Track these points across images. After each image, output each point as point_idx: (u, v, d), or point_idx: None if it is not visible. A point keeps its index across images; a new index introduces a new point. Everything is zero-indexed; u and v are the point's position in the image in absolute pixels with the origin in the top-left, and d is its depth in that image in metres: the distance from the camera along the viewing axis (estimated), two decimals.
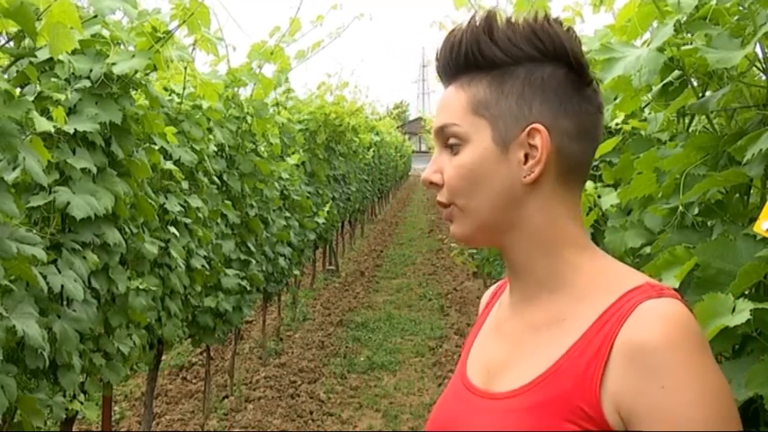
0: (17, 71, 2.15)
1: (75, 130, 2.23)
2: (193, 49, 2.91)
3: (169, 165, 3.01)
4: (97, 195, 2.32)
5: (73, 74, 2.33)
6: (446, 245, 11.57)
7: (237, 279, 4.00)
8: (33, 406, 2.07)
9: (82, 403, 2.51)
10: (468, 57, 0.92)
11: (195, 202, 3.30)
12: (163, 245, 2.98)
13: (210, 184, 3.67)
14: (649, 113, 1.80)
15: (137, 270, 2.77)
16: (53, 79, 2.27)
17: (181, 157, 3.16)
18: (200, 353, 5.99)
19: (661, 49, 1.33)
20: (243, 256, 4.28)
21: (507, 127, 0.91)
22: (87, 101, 2.34)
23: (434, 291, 9.09)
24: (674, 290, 0.89)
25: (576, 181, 0.95)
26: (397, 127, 24.71)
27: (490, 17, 0.91)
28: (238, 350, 6.03)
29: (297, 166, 5.77)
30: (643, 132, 1.85)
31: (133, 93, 2.57)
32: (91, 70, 2.34)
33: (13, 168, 2.05)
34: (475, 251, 6.80)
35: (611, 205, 1.92)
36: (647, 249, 1.57)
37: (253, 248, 4.46)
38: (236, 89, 4.03)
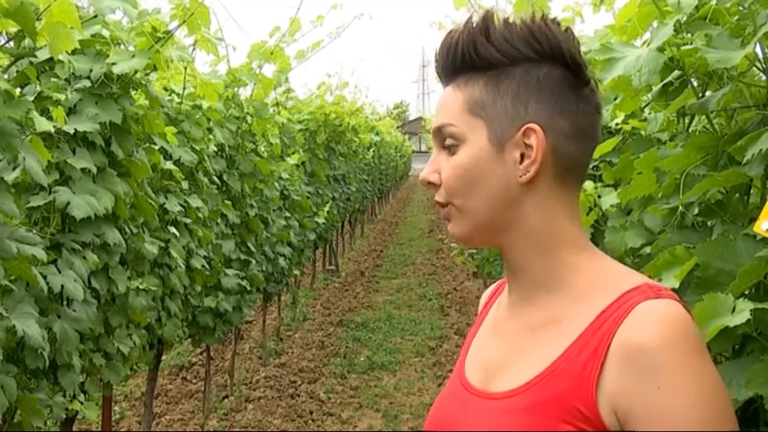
0: (17, 71, 2.15)
1: (76, 130, 2.23)
2: (193, 49, 2.91)
3: (169, 165, 3.01)
4: (97, 195, 2.32)
5: (73, 74, 2.33)
6: (446, 245, 11.57)
7: (237, 279, 4.00)
8: (33, 406, 2.07)
9: (82, 403, 2.51)
10: (464, 57, 0.92)
11: (195, 202, 3.30)
12: (163, 245, 2.98)
13: (210, 184, 3.67)
14: (649, 113, 1.80)
15: (137, 270, 2.77)
16: (53, 79, 2.27)
17: (181, 157, 3.16)
18: (201, 353, 5.99)
19: (661, 49, 1.33)
20: (243, 256, 4.28)
21: (503, 127, 0.91)
22: (87, 101, 2.34)
23: (434, 291, 9.09)
24: (673, 291, 0.89)
25: (574, 181, 0.94)
26: (397, 127, 24.71)
27: (487, 18, 0.91)
28: (238, 350, 6.04)
29: (297, 166, 5.78)
30: (643, 132, 1.85)
31: (133, 93, 2.57)
32: (91, 70, 2.34)
33: (13, 168, 2.05)
34: (475, 251, 6.80)
35: (611, 205, 1.92)
36: (647, 249, 1.57)
37: (253, 248, 4.46)
38: (236, 89, 4.03)
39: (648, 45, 1.37)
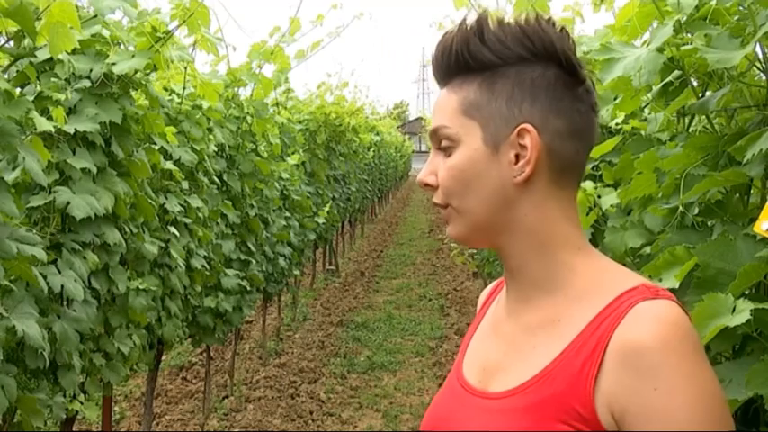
0: (17, 71, 2.15)
1: (76, 130, 2.23)
2: (193, 49, 2.91)
3: (169, 165, 3.01)
4: (97, 195, 2.32)
5: (73, 74, 2.33)
6: (446, 245, 11.57)
7: (237, 279, 4.00)
8: (33, 406, 2.07)
9: (82, 403, 2.51)
10: (459, 59, 0.93)
11: (195, 202, 3.30)
12: (163, 245, 2.98)
13: (210, 184, 3.67)
14: (649, 113, 1.80)
15: (137, 270, 2.77)
16: (53, 79, 2.27)
17: (181, 157, 3.16)
18: (201, 353, 5.99)
19: (661, 50, 1.33)
20: (243, 256, 4.28)
21: (497, 128, 0.91)
22: (87, 101, 2.34)
23: (434, 291, 9.09)
24: (673, 291, 0.89)
25: (571, 180, 0.94)
26: (398, 127, 24.71)
27: (481, 19, 0.91)
28: (238, 350, 6.04)
29: (297, 166, 5.77)
30: (643, 132, 1.85)
31: (133, 93, 2.57)
32: (91, 70, 2.34)
33: (13, 168, 2.05)
34: (475, 251, 6.80)
35: (611, 205, 1.92)
36: (647, 249, 1.57)
37: (253, 248, 4.46)
38: (236, 89, 4.03)
39: (648, 45, 1.37)
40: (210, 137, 3.65)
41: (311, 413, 5.02)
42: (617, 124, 2.13)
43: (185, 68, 3.13)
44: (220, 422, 4.84)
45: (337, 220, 8.39)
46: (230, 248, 3.97)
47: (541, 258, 0.93)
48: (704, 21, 1.34)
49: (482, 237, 0.96)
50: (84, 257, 2.32)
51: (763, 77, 1.33)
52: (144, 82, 2.56)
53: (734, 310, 1.04)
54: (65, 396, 2.33)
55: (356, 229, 13.66)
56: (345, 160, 8.98)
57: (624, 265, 0.97)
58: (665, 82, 1.50)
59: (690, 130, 1.63)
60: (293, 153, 5.64)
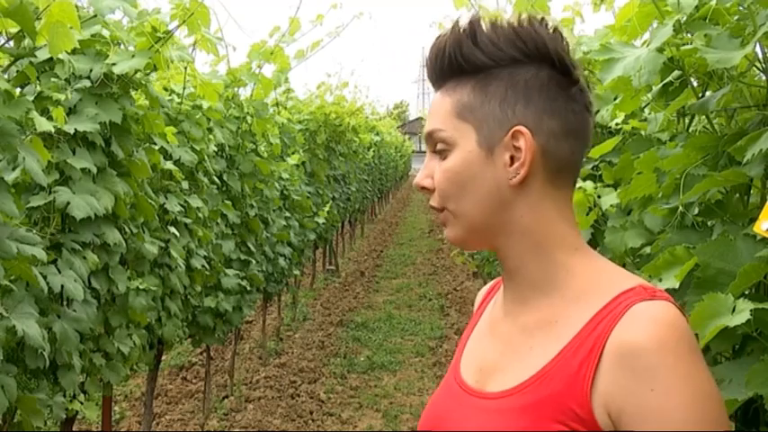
0: (17, 71, 2.15)
1: (76, 130, 2.23)
2: (193, 49, 2.91)
3: (169, 165, 3.01)
4: (97, 195, 2.32)
5: (73, 74, 2.33)
6: (446, 245, 11.58)
7: (237, 279, 4.00)
8: (33, 406, 2.07)
9: (82, 403, 2.51)
10: (452, 62, 0.93)
11: (195, 202, 3.30)
12: (163, 245, 2.98)
13: (210, 184, 3.67)
14: (649, 113, 1.80)
15: (137, 270, 2.77)
16: (53, 79, 2.27)
17: (181, 157, 3.16)
18: (201, 353, 5.99)
19: (661, 50, 1.33)
20: (243, 256, 4.28)
21: (491, 130, 0.91)
22: (87, 101, 2.34)
23: (434, 291, 9.10)
24: (673, 291, 0.89)
25: (567, 181, 0.94)
26: (398, 127, 24.72)
27: (474, 21, 0.91)
28: (238, 350, 6.04)
29: (297, 166, 5.78)
30: (643, 132, 1.85)
31: (133, 93, 2.57)
32: (91, 70, 2.34)
33: (13, 168, 2.05)
34: (475, 251, 6.80)
35: (611, 205, 1.92)
36: (647, 249, 1.57)
37: (253, 248, 4.46)
38: (236, 89, 4.03)
39: (648, 45, 1.37)
40: (210, 137, 3.65)
41: (311, 413, 5.02)
42: (617, 124, 2.13)
43: (185, 68, 3.13)
44: (220, 422, 4.84)
45: (337, 220, 8.39)
46: (230, 248, 3.97)
47: (538, 259, 0.93)
48: (704, 21, 1.34)
49: (479, 239, 0.96)
50: (84, 257, 2.32)
51: (763, 77, 1.33)
52: (144, 82, 2.56)
53: (734, 310, 1.04)
54: (65, 396, 2.33)
55: (356, 229, 13.66)
56: (345, 160, 8.98)
57: (624, 265, 0.97)
58: (665, 82, 1.50)
59: (690, 130, 1.63)
60: (293, 153, 5.64)
